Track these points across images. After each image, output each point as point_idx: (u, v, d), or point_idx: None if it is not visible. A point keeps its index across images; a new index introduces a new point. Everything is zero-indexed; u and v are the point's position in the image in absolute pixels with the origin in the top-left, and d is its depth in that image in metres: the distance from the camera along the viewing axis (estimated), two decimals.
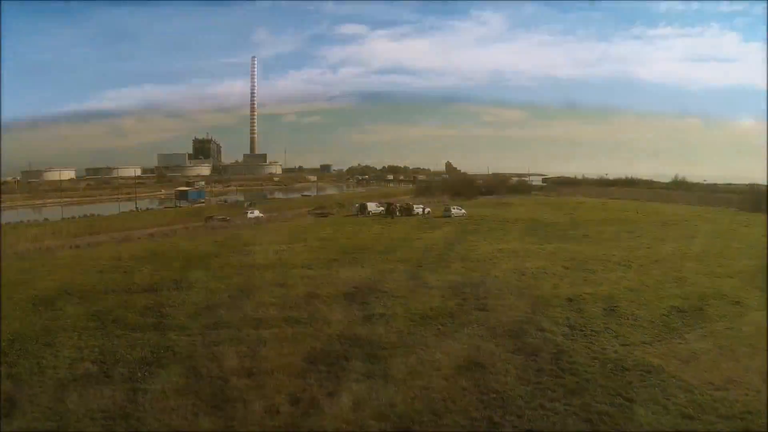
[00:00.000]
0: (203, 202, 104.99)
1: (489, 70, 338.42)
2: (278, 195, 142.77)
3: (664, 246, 38.94)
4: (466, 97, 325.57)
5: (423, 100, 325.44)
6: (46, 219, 73.95)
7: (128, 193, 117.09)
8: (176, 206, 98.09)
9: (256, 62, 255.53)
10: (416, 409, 14.66)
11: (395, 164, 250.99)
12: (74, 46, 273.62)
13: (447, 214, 66.80)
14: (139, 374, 16.88)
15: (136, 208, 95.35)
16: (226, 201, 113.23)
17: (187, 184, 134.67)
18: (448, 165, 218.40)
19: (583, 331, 20.94)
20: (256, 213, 70.22)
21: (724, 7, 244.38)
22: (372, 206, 73.66)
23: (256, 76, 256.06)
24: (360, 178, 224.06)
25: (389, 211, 69.94)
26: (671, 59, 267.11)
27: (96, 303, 24.63)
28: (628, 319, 22.34)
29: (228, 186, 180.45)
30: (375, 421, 13.95)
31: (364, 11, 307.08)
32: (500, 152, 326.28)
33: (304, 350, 18.56)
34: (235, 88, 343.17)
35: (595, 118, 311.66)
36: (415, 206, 72.34)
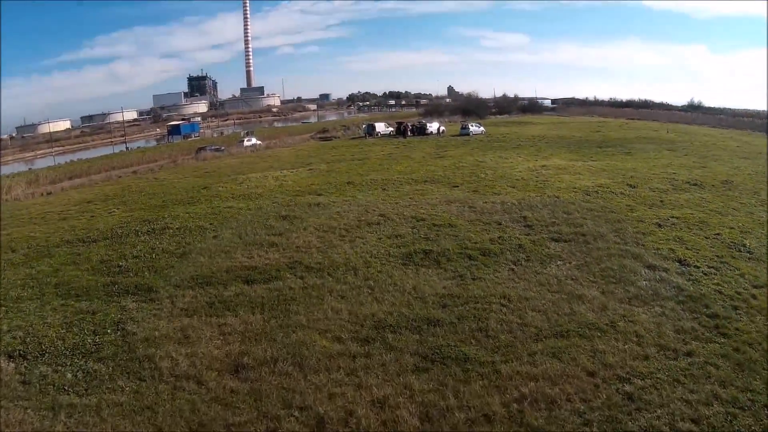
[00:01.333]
0: (198, 136, 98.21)
1: None
2: (278, 125, 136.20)
3: (721, 166, 32.62)
4: (467, 22, 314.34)
5: (422, 26, 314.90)
6: (29, 169, 67.76)
7: (122, 136, 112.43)
8: (168, 142, 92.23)
9: None
10: (532, 425, 8.43)
11: (396, 90, 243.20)
12: None
13: (465, 131, 60.44)
14: (69, 376, 10.59)
15: (126, 148, 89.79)
16: (222, 133, 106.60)
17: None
18: (451, 89, 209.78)
19: (698, 267, 14.99)
20: (254, 140, 63.16)
21: None
22: (381, 127, 66.89)
23: (248, 9, 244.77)
24: (361, 104, 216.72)
25: (400, 131, 63.16)
26: None
27: (41, 261, 18.25)
28: (739, 250, 16.43)
29: (225, 120, 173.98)
30: None
31: None
32: (502, 77, 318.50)
33: (320, 318, 12.12)
34: (229, 23, 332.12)
35: (599, 42, 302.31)
36: (428, 125, 65.29)
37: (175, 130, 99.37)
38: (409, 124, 66.27)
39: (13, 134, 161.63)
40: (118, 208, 27.14)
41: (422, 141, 54.62)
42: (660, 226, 18.85)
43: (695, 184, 26.22)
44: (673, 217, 19.96)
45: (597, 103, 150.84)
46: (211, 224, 20.39)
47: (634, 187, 25.58)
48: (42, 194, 39.17)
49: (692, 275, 14.40)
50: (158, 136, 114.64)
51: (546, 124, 78.83)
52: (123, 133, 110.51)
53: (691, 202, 22.60)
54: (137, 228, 21.16)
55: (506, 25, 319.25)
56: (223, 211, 22.51)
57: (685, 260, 15.41)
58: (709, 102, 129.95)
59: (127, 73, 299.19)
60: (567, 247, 16.48)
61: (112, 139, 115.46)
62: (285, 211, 21.65)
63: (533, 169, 31.34)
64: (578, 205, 21.48)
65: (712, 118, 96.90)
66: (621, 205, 21.88)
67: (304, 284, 14.00)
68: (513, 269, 14.74)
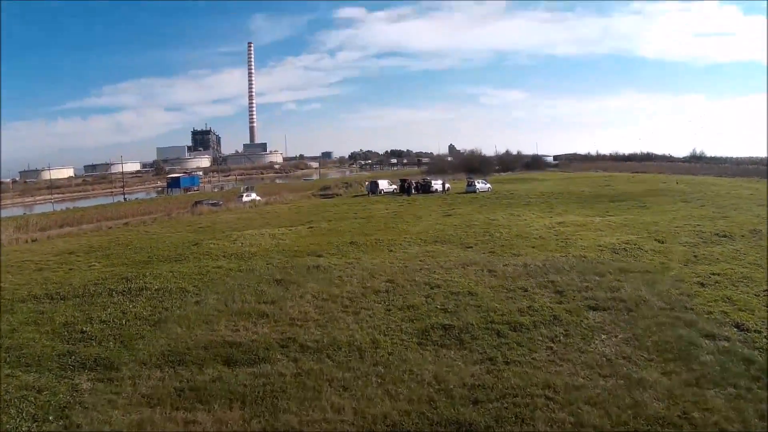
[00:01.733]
0: (197, 189, 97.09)
1: (488, 50, 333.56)
2: (279, 182, 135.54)
3: (742, 215, 31.17)
4: (467, 79, 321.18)
5: (423, 83, 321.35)
6: (24, 214, 66.20)
7: (122, 187, 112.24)
8: (168, 194, 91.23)
9: (252, 49, 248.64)
10: None
11: (398, 148, 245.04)
12: (69, 41, 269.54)
13: (471, 188, 59.18)
14: None
15: (125, 198, 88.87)
16: (222, 188, 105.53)
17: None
18: (452, 147, 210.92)
19: (759, 332, 12.73)
20: (253, 196, 61.51)
21: None
22: (384, 184, 65.47)
23: (253, 64, 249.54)
24: (363, 162, 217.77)
25: (404, 188, 61.65)
26: (672, 35, 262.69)
27: (1, 318, 15.87)
28: None
29: (227, 175, 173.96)
30: None
31: None
32: (503, 133, 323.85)
33: (316, 420, 9.36)
34: (234, 77, 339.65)
35: (597, 95, 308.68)
36: (432, 182, 63.76)
37: (174, 183, 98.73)
38: (413, 181, 64.80)
39: (17, 179, 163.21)
40: (99, 262, 25.05)
41: (427, 198, 53.01)
42: (703, 285, 16.66)
43: (724, 236, 24.54)
44: (713, 273, 17.87)
45: (599, 158, 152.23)
46: (195, 286, 17.90)
47: (663, 242, 23.83)
48: (27, 241, 37.50)
49: (756, 343, 12.06)
50: (159, 188, 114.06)
51: (552, 180, 78.30)
52: (122, 183, 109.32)
53: (726, 255, 20.70)
54: (113, 286, 18.80)
55: (505, 81, 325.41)
56: (211, 272, 20.08)
57: (742, 324, 13.12)
58: (708, 150, 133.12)
59: (132, 123, 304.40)
60: (608, 317, 14.03)
61: (113, 189, 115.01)
62: (280, 274, 19.16)
63: (550, 226, 29.46)
64: (609, 265, 19.28)
65: (716, 167, 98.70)
66: (654, 263, 19.85)
67: (298, 369, 11.29)
68: (552, 348, 12.17)
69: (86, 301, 17.24)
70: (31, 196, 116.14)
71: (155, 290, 17.75)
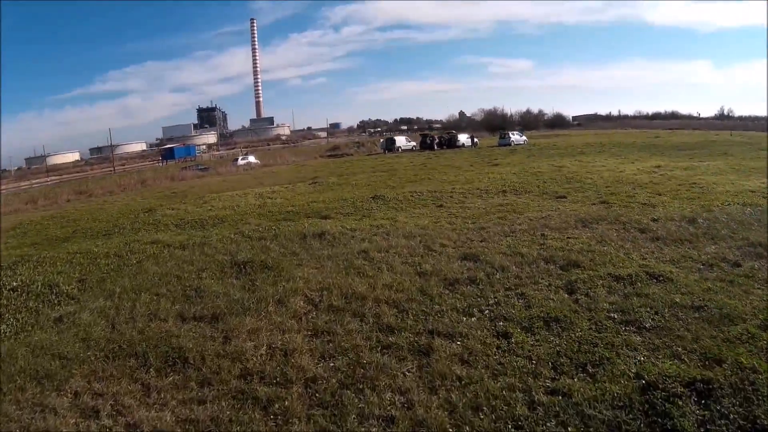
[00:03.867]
0: (193, 159, 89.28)
1: (494, 20, 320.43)
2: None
3: None
4: (472, 50, 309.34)
5: (429, 55, 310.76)
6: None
7: (123, 164, 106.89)
8: (162, 164, 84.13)
9: (255, 26, 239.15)
10: None
11: (407, 116, 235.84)
12: (73, 27, 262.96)
13: (505, 141, 50.86)
14: None
15: (113, 171, 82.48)
16: (221, 157, 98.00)
17: None
18: (462, 114, 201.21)
19: None
20: (250, 158, 52.90)
21: None
22: (402, 141, 56.71)
23: (256, 40, 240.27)
24: (372, 130, 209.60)
25: (427, 143, 52.88)
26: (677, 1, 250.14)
27: None
28: None
29: (232, 148, 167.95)
30: None
31: None
32: (511, 102, 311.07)
33: None
34: (238, 57, 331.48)
35: (603, 64, 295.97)
36: (458, 136, 54.96)
37: (168, 154, 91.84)
38: (436, 136, 55.91)
39: (22, 166, 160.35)
40: (8, 242, 16.97)
41: (456, 153, 43.98)
42: None
43: None
44: None
45: (621, 117, 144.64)
46: (80, 281, 9.25)
47: None
48: None
49: None
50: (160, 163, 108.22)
51: (588, 135, 69.78)
52: (112, 160, 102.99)
53: None
54: None
55: (511, 51, 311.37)
56: (134, 252, 11.34)
57: None
58: (736, 109, 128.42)
59: (138, 106, 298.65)
60: None
61: (112, 169, 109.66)
62: (249, 250, 10.17)
63: (649, 171, 20.99)
64: None
65: (751, 123, 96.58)
66: None
67: None
68: None
69: None
70: (28, 180, 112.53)
71: (10, 290, 9.19)
